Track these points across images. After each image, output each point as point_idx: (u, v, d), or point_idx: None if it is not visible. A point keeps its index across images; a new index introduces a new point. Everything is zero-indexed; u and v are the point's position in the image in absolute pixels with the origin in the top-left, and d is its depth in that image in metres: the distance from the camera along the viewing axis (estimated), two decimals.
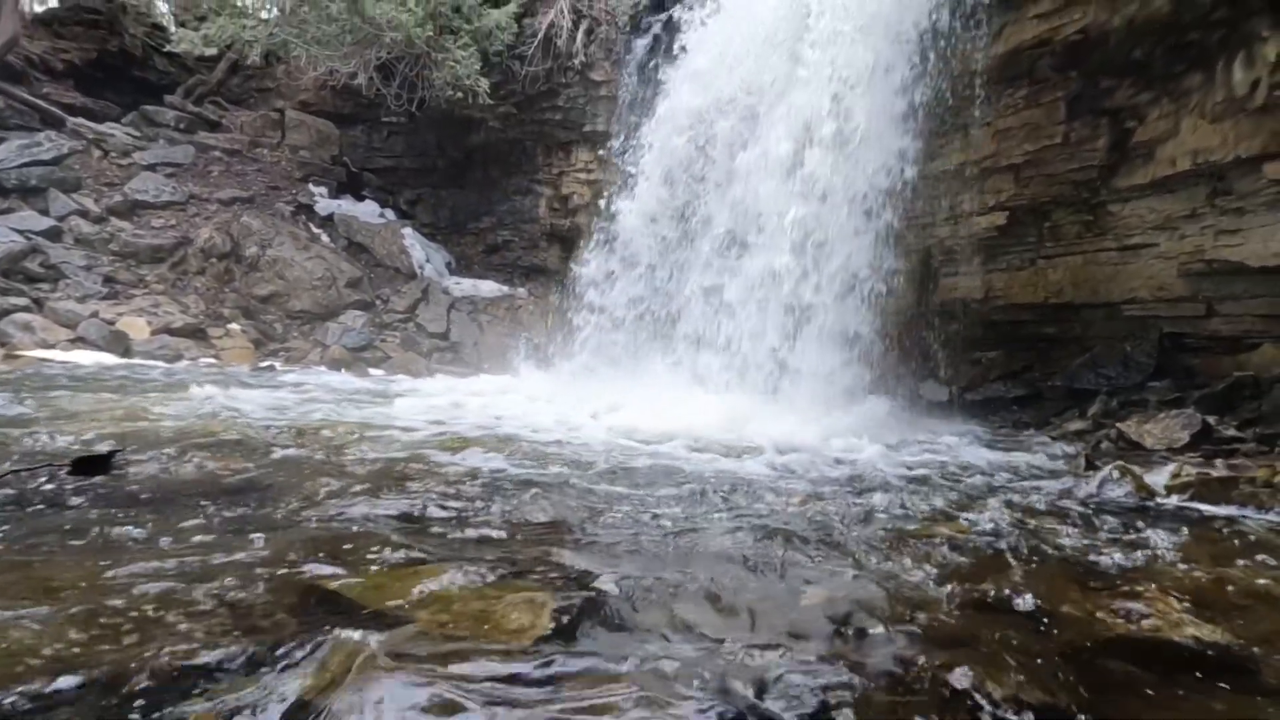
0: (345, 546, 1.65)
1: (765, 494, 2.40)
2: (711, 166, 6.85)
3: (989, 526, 1.93)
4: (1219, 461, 3.58)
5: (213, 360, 7.40)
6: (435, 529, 1.87)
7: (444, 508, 2.04)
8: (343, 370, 7.68)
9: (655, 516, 2.06)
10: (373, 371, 7.97)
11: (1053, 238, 6.71)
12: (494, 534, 1.83)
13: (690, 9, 7.59)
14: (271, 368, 7.43)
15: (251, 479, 2.26)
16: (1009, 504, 2.26)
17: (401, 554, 1.61)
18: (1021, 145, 6.40)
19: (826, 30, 5.86)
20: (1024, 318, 7.20)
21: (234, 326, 8.10)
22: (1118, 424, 4.39)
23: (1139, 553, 1.71)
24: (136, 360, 6.72)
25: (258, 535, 1.69)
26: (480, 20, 9.41)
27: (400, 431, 3.46)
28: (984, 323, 7.33)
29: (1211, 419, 4.14)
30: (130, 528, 1.73)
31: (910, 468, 3.02)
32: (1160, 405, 4.71)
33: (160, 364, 6.83)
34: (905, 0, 5.44)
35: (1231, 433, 4.04)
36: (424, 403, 5.01)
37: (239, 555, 1.56)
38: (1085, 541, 1.79)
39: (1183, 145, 5.49)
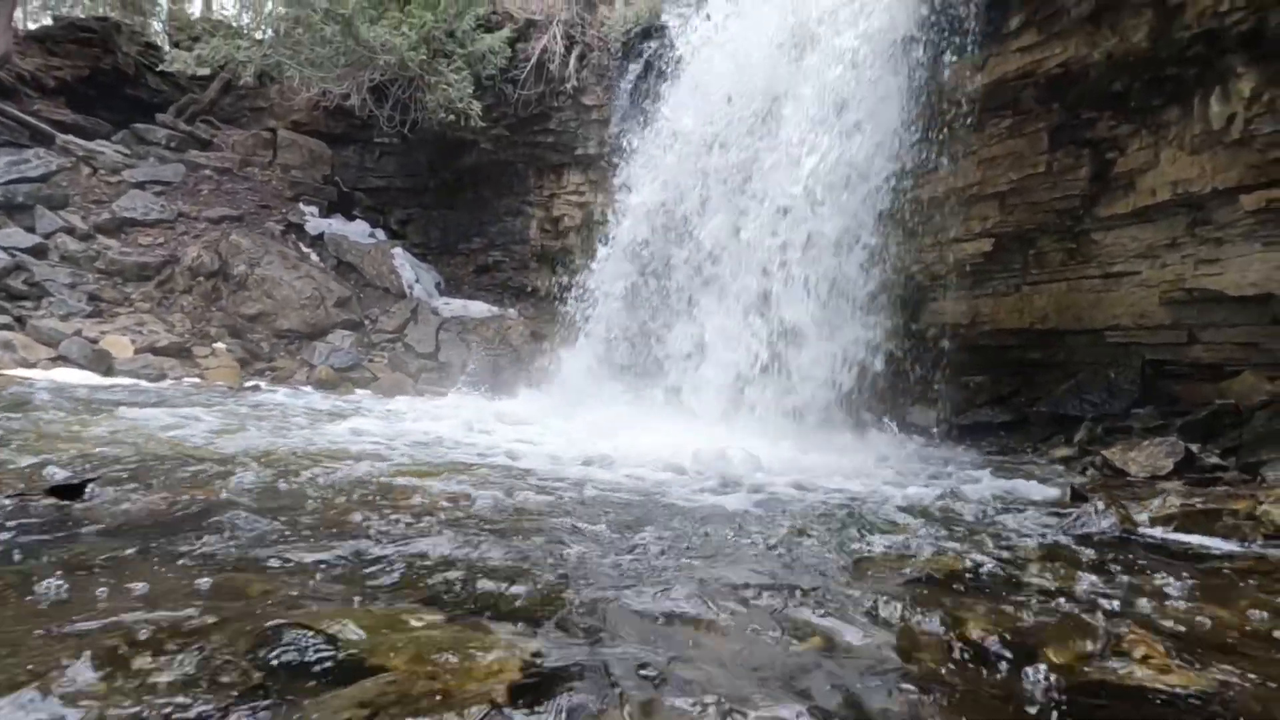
0: (305, 589, 1.59)
1: (750, 527, 2.37)
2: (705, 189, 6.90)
3: (972, 562, 1.92)
4: (1202, 490, 3.61)
5: (197, 379, 7.32)
6: (393, 568, 1.81)
7: (401, 545, 1.98)
8: (327, 390, 7.63)
9: (631, 554, 2.01)
10: (359, 391, 7.92)
11: (1037, 264, 6.79)
12: (452, 575, 1.77)
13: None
14: (256, 387, 7.35)
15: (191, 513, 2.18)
16: (994, 538, 2.26)
17: (363, 599, 1.55)
18: (1006, 174, 6.51)
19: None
20: (1010, 343, 7.26)
21: (220, 346, 8.03)
22: (1103, 451, 4.42)
23: (1124, 592, 1.70)
24: (118, 379, 6.63)
25: (204, 580, 1.62)
26: (474, 45, 9.51)
27: (365, 459, 3.35)
28: (971, 347, 7.39)
29: (1194, 447, 4.17)
30: (73, 574, 1.65)
31: (894, 499, 3.00)
32: (1144, 432, 4.75)
33: (143, 383, 6.75)
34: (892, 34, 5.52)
35: (1214, 460, 4.07)
36: (394, 426, 4.95)
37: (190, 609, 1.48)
38: (1070, 580, 1.78)
39: (1162, 176, 5.60)
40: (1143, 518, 2.41)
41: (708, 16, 7.64)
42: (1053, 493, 3.35)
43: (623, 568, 1.90)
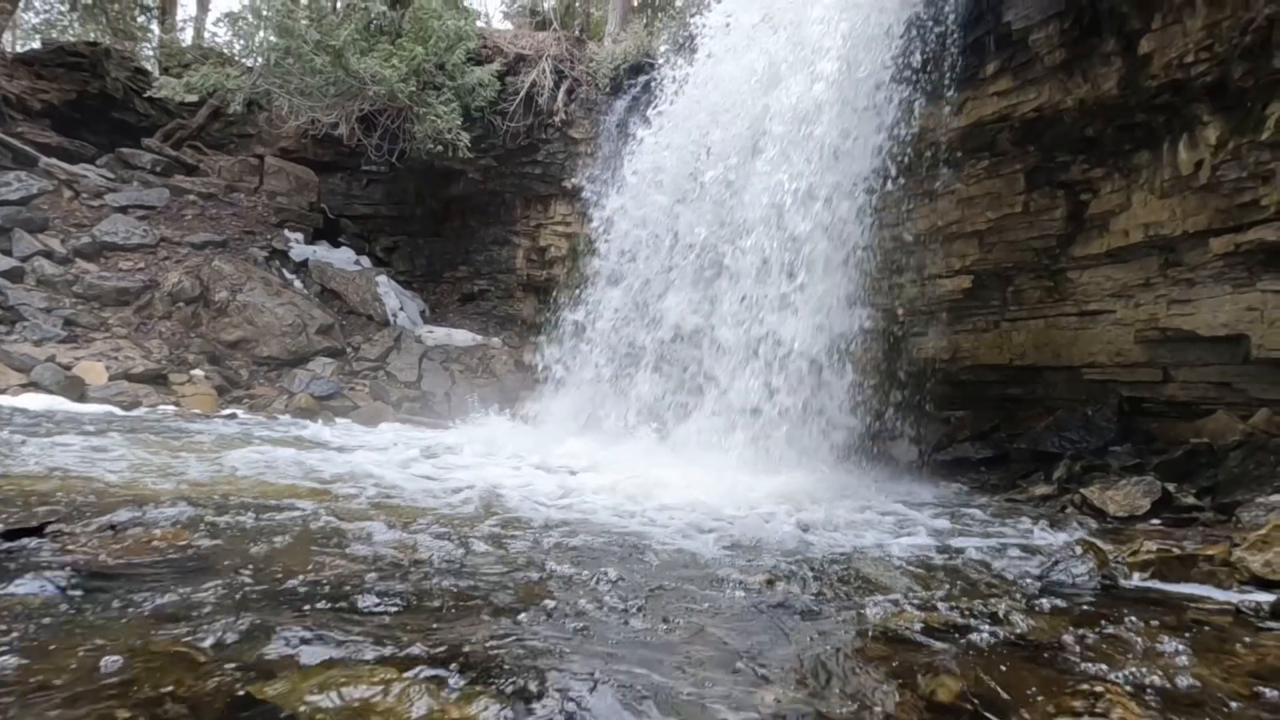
0: (263, 645, 1.52)
1: (724, 572, 2.33)
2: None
3: (943, 613, 1.90)
4: (1180, 531, 3.62)
5: (173, 407, 7.19)
6: (360, 615, 1.75)
7: (364, 590, 1.92)
8: (306, 418, 7.51)
9: (596, 601, 1.95)
10: (339, 420, 7.81)
11: (1016, 301, 6.90)
12: (413, 620, 1.71)
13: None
14: (234, 415, 7.23)
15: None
16: (968, 586, 2.24)
17: (321, 648, 1.49)
18: (984, 213, 6.64)
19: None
20: (990, 378, 7.34)
21: (197, 372, 7.90)
22: (1082, 490, 4.44)
23: (1102, 646, 1.68)
24: (90, 406, 6.49)
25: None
26: (463, 77, 9.63)
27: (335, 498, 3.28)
28: (952, 382, 7.46)
29: (1171, 486, 4.20)
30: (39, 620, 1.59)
31: (872, 542, 2.98)
32: (1122, 471, 4.78)
33: (117, 410, 6.61)
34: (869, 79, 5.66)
35: (1190, 501, 4.10)
36: (369, 456, 4.86)
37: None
38: (1046, 632, 1.76)
39: (1135, 218, 5.74)
40: (1121, 564, 2.40)
41: (693, 54, 7.81)
42: (1031, 535, 3.34)
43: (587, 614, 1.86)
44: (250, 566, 2.09)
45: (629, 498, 3.72)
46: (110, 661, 1.41)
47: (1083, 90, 5.55)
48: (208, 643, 1.52)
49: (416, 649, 1.53)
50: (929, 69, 5.90)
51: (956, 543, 2.91)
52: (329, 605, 1.82)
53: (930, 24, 5.84)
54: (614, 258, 7.38)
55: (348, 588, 1.95)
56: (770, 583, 2.16)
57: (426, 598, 1.93)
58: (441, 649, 1.53)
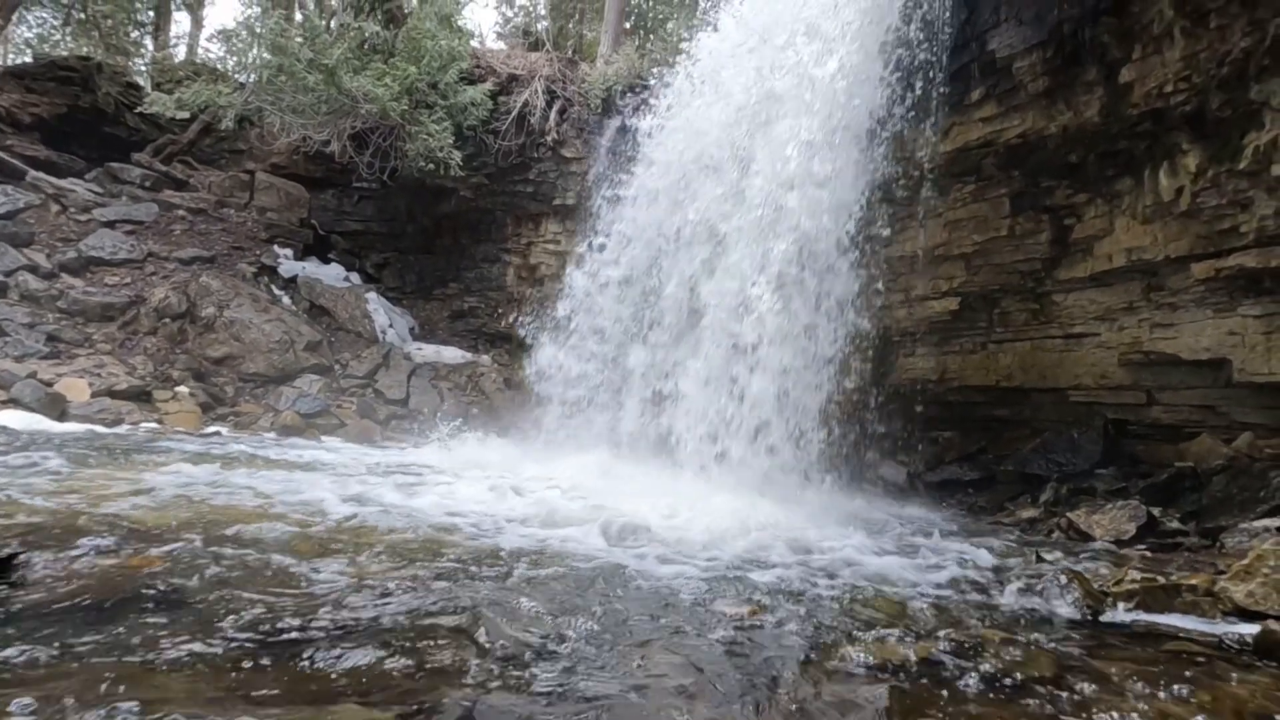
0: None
1: (706, 605, 2.29)
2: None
3: (926, 647, 1.88)
4: (1164, 557, 3.63)
5: (155, 425, 7.10)
6: (311, 655, 1.69)
7: (318, 622, 1.85)
8: (292, 436, 7.44)
9: (547, 650, 1.88)
10: (325, 439, 7.73)
11: (1002, 323, 6.96)
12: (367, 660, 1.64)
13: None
14: (218, 433, 7.15)
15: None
16: (953, 618, 2.22)
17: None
18: (971, 236, 6.71)
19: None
20: (977, 399, 7.37)
21: (182, 389, 7.82)
22: (1068, 513, 4.45)
23: (1085, 683, 1.67)
24: (71, 425, 6.40)
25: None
26: (456, 96, 9.68)
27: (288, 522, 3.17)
28: (941, 403, 7.49)
29: (1156, 511, 4.22)
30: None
31: (858, 572, 2.95)
32: (1107, 494, 4.80)
33: (98, 428, 6.52)
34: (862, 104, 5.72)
35: (1175, 525, 4.12)
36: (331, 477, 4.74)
37: None
38: (1030, 667, 1.75)
39: (1118, 243, 5.81)
40: (1105, 594, 2.40)
41: (688, 78, 7.90)
42: (1018, 561, 3.33)
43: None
44: (177, 598, 2.01)
45: (605, 524, 3.64)
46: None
47: (1065, 117, 5.64)
48: None
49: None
50: (918, 95, 5.98)
51: (937, 577, 2.88)
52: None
53: (918, 50, 5.92)
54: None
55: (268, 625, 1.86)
56: (753, 613, 2.14)
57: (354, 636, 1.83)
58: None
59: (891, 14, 5.77)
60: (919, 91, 5.91)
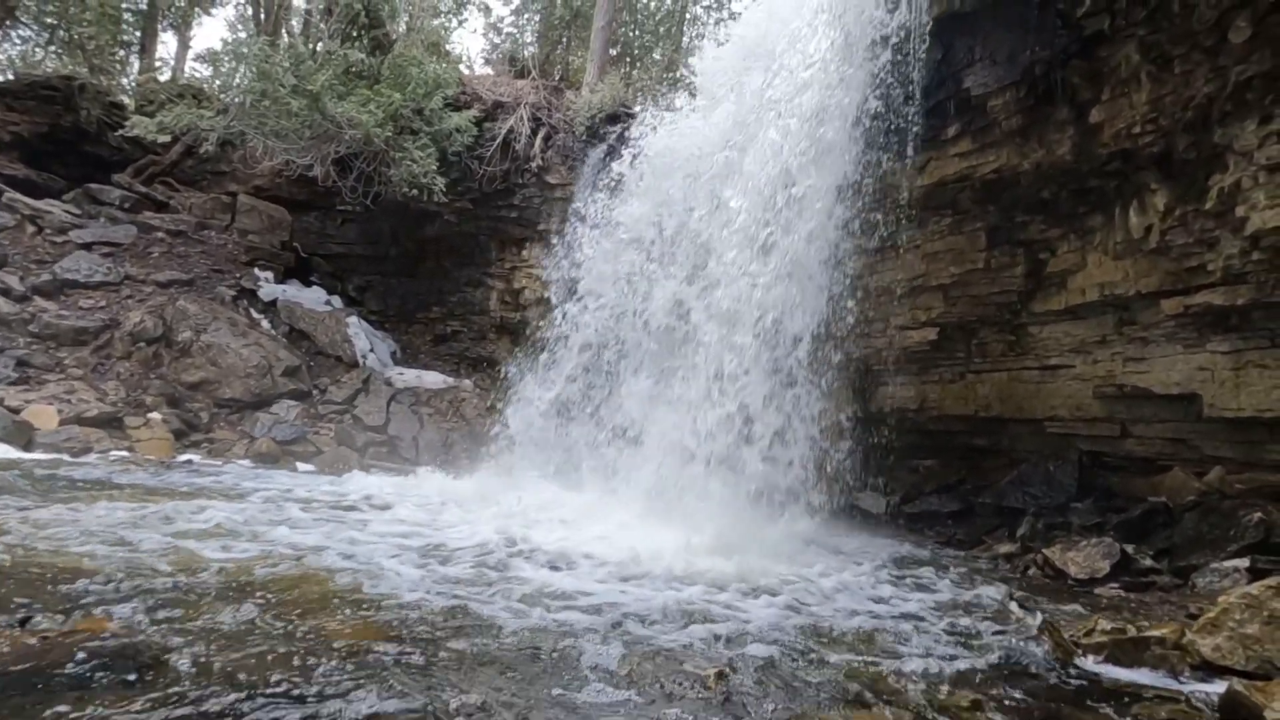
0: None
1: (684, 661, 2.25)
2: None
3: (894, 706, 1.85)
4: (1137, 596, 3.64)
5: (126, 453, 6.95)
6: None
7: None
8: (267, 464, 7.32)
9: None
10: (301, 466, 7.62)
11: (980, 354, 7.03)
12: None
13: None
14: (189, 462, 7.02)
15: None
16: (924, 671, 2.20)
17: None
18: (948, 268, 6.79)
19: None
20: (956, 428, 7.42)
21: (155, 416, 7.68)
22: (1044, 550, 4.46)
23: None
24: (36, 454, 6.26)
25: None
26: (441, 123, 9.72)
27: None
28: (920, 431, 7.52)
29: (1129, 548, 4.24)
30: None
31: (833, 614, 2.93)
32: (1082, 530, 4.81)
33: (65, 457, 6.38)
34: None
35: (1148, 563, 4.14)
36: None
37: None
38: None
39: (1090, 277, 5.90)
40: (1077, 644, 2.39)
41: (669, 109, 7.99)
42: (994, 602, 3.32)
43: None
44: None
45: (569, 564, 3.59)
46: None
47: (1038, 155, 5.75)
48: None
49: None
50: (894, 132, 6.07)
51: (920, 609, 2.86)
52: None
53: (895, 89, 6.02)
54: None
55: None
56: (720, 675, 2.10)
57: None
58: None
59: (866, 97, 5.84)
60: (897, 129, 5.99)
